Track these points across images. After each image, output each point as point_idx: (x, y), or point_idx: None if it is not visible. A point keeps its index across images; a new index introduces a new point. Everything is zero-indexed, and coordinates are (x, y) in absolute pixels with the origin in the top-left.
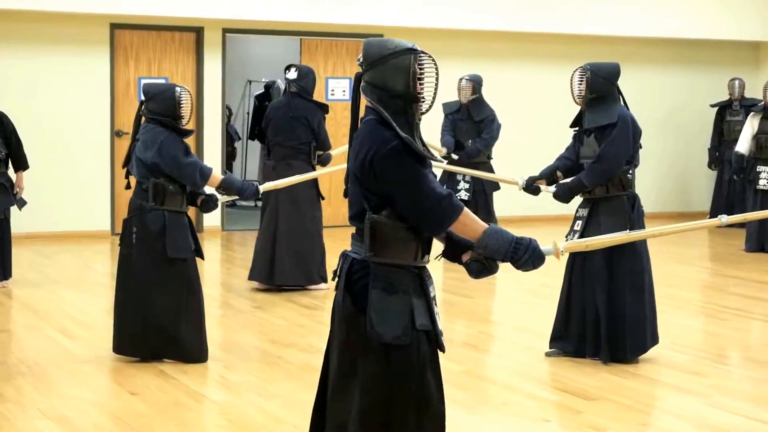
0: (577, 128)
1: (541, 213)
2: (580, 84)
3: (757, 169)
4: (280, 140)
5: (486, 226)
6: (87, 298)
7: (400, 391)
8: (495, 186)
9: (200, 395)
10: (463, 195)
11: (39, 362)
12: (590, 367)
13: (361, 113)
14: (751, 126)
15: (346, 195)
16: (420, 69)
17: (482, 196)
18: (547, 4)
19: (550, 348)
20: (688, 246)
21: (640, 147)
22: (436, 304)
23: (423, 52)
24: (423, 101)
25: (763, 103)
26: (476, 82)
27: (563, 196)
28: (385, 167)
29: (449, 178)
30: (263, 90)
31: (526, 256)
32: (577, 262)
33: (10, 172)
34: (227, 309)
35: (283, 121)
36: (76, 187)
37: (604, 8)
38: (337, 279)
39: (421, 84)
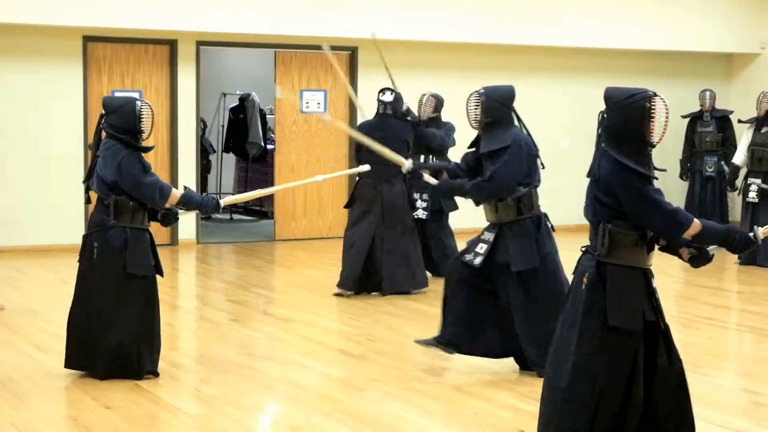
0: (473, 149)
1: None
2: (476, 108)
3: (748, 181)
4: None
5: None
6: (61, 313)
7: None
8: (453, 206)
9: (176, 408)
10: (421, 214)
11: (13, 377)
12: None
13: None
14: (746, 137)
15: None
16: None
17: (440, 215)
18: (522, 17)
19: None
20: (661, 257)
21: (543, 167)
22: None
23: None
24: None
25: (756, 114)
26: (438, 100)
27: (443, 192)
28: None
29: (409, 199)
30: (238, 103)
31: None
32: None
33: None
34: (203, 322)
35: (376, 140)
36: (49, 201)
37: (578, 21)
38: None
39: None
